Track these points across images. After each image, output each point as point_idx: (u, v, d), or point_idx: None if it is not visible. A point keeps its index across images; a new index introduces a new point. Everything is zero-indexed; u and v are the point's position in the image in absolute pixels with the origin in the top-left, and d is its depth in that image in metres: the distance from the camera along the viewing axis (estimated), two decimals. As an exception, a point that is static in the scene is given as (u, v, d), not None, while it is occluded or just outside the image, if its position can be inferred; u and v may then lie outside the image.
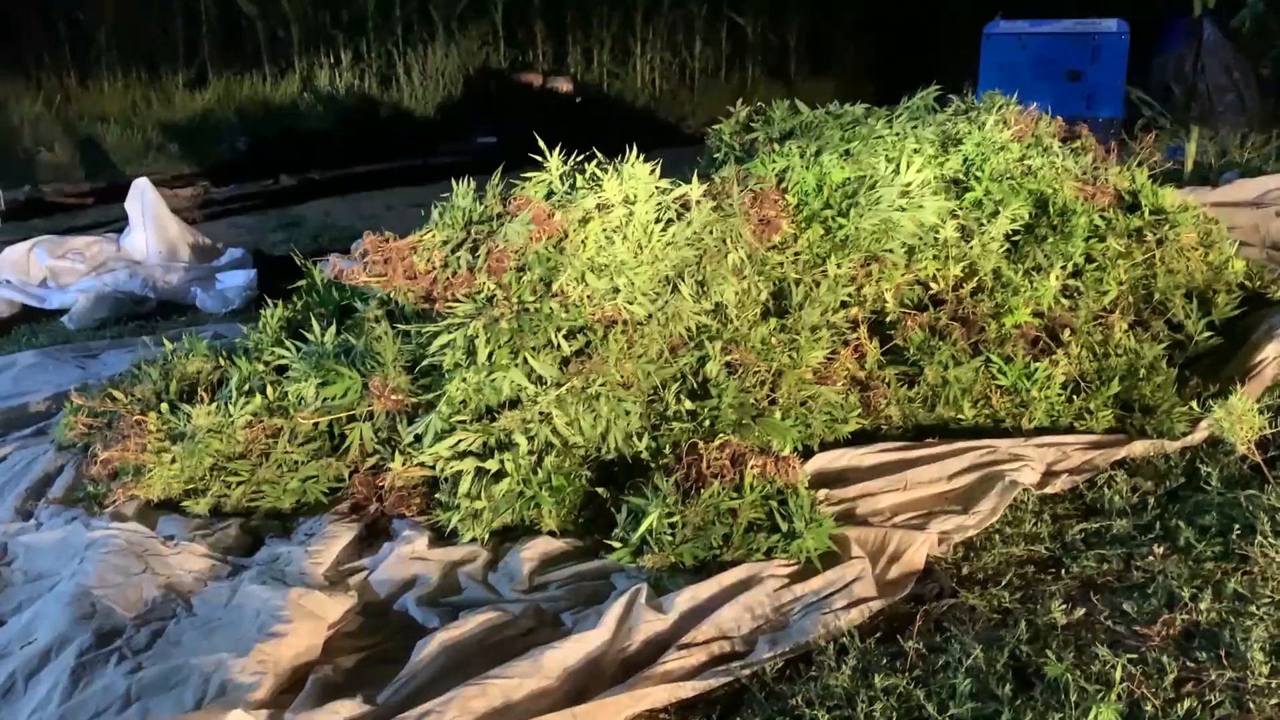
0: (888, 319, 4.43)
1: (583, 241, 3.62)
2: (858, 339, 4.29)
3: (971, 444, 3.83)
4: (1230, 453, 3.69)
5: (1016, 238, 5.12)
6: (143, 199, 6.63)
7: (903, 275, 4.58)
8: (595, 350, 3.45)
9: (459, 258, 3.49)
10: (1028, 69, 12.27)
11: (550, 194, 3.76)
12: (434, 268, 3.51)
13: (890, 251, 4.56)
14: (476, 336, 3.32)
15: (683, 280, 4.06)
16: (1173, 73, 8.35)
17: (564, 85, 14.86)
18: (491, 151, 13.05)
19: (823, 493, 3.53)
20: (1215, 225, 5.45)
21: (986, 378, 4.14)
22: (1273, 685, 2.56)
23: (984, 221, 5.10)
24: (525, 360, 3.37)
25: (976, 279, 4.56)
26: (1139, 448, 3.85)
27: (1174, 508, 3.48)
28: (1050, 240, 5.05)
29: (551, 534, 3.35)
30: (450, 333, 3.38)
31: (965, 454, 3.77)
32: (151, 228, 6.57)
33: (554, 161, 4.01)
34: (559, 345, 3.46)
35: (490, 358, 3.33)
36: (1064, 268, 4.93)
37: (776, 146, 4.78)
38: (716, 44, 19.91)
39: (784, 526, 3.11)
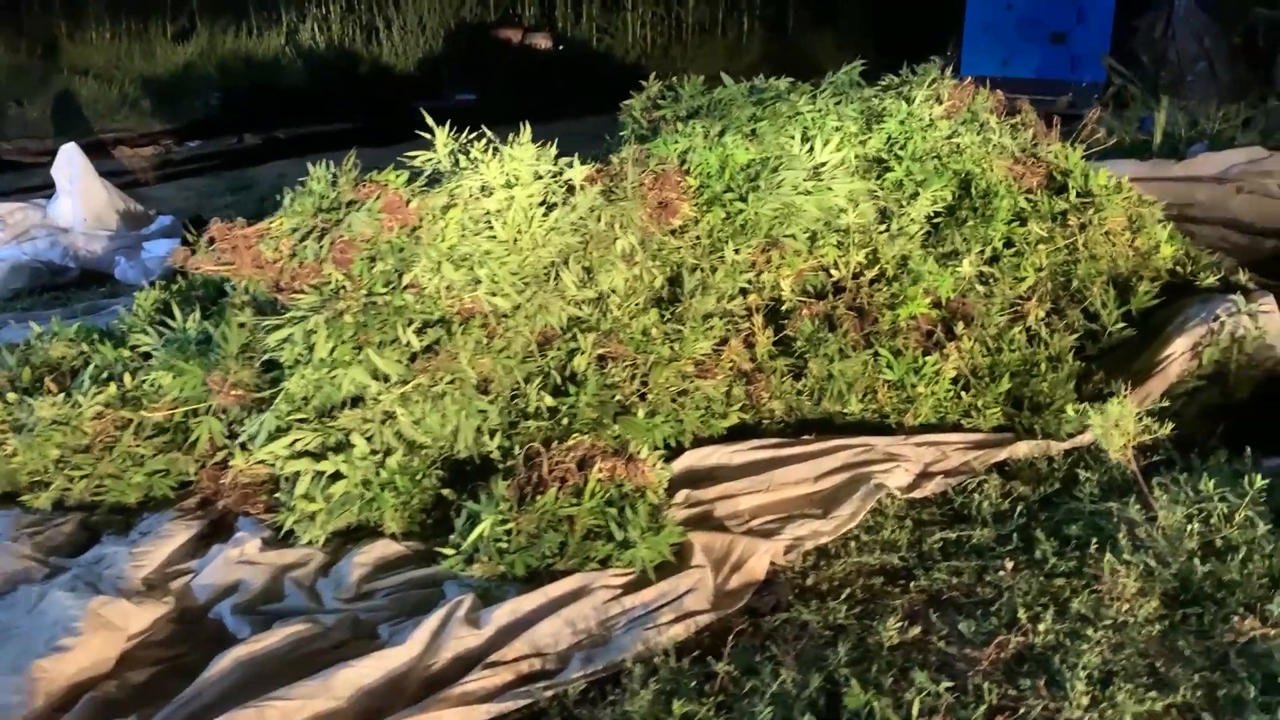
0: (784, 308, 4.28)
1: (442, 230, 3.49)
2: (751, 328, 4.16)
3: (847, 442, 3.71)
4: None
5: (938, 220, 4.97)
6: (70, 164, 6.51)
7: (805, 262, 4.43)
8: (445, 346, 3.33)
9: (306, 247, 3.37)
10: (1013, 30, 11.98)
11: (413, 177, 3.63)
12: (281, 257, 3.39)
13: (792, 237, 4.41)
14: (315, 331, 3.21)
15: (566, 268, 3.94)
16: (1141, 39, 8.08)
17: (543, 41, 14.58)
18: (470, 109, 12.86)
19: (682, 494, 3.42)
20: (1148, 208, 5.26)
21: (875, 371, 4.01)
22: (1089, 718, 2.46)
23: (904, 203, 4.95)
24: (369, 356, 3.26)
25: (878, 266, 4.40)
26: (1022, 449, 3.72)
27: (1043, 516, 3.35)
28: (970, 224, 4.90)
29: (393, 537, 3.26)
30: (291, 326, 3.27)
31: (839, 453, 3.65)
32: (78, 194, 6.46)
33: (440, 138, 3.88)
34: (408, 341, 3.34)
35: (331, 353, 3.22)
36: (981, 252, 4.77)
37: (680, 125, 4.62)
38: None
39: (619, 535, 3.01)
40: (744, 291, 4.35)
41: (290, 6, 17.35)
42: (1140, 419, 3.32)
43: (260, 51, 16.12)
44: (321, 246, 3.33)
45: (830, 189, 4.55)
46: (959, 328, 4.11)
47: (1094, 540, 3.07)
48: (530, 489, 3.09)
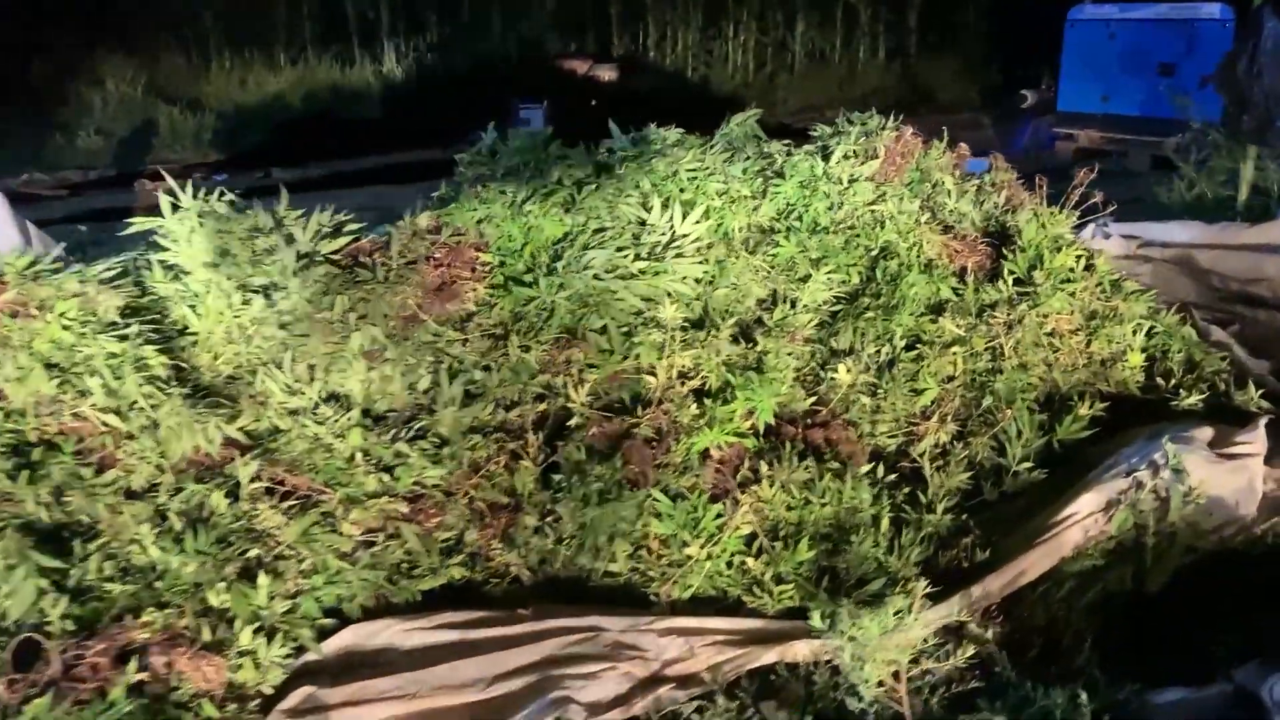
0: (572, 423, 3.38)
1: (41, 328, 2.77)
2: (516, 449, 3.28)
3: (571, 623, 2.78)
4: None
5: (839, 308, 3.98)
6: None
7: (620, 363, 3.51)
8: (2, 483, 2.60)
9: None
10: (1115, 61, 10.55)
11: (32, 265, 2.93)
12: None
13: (600, 331, 3.51)
14: None
15: (275, 370, 3.17)
16: (1220, 77, 6.71)
17: (608, 73, 13.86)
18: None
19: (302, 693, 2.58)
20: (1130, 300, 4.09)
21: (647, 521, 3.06)
22: None
23: (794, 287, 3.99)
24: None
25: (700, 375, 3.45)
26: (800, 650, 2.71)
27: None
28: (869, 315, 3.88)
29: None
30: None
31: (550, 639, 2.73)
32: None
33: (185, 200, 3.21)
34: (-30, 471, 2.63)
35: None
36: (877, 353, 3.75)
37: (484, 188, 3.78)
38: (824, 24, 18.41)
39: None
40: (540, 398, 3.48)
41: (398, 33, 17.26)
42: (929, 640, 2.30)
43: (350, 81, 16.04)
44: None
45: (663, 271, 3.62)
46: (764, 467, 3.10)
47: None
48: (31, 695, 2.32)
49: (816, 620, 2.67)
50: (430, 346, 3.49)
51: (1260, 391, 3.96)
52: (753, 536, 2.99)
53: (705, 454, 3.22)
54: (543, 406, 3.43)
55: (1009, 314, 3.79)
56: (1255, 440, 3.41)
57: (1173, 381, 3.90)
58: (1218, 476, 3.20)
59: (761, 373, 3.50)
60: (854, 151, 4.47)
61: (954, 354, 3.75)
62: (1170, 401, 3.78)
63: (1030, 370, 3.73)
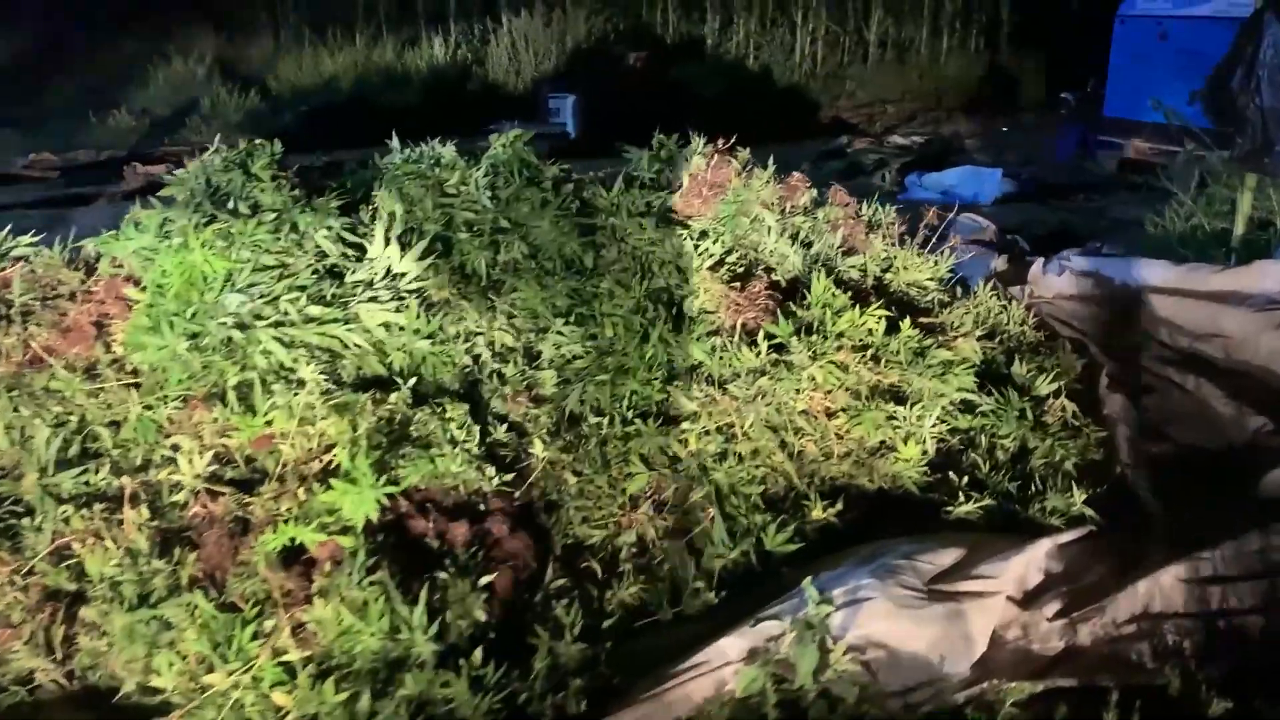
0: (178, 500, 2.91)
1: None
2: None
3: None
4: None
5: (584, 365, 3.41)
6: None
7: (264, 427, 3.02)
8: None
9: None
10: (1167, 64, 9.44)
11: None
12: None
13: (216, 393, 3.02)
14: None
15: None
16: (1209, 93, 5.76)
17: (639, 61, 13.20)
18: (556, 138, 11.78)
19: None
20: (896, 375, 3.38)
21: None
22: None
23: (539, 339, 3.45)
24: None
25: (333, 452, 2.92)
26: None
27: None
28: (599, 377, 3.31)
29: None
30: None
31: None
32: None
33: None
34: None
35: None
36: (600, 423, 3.17)
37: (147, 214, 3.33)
38: (906, 11, 17.30)
39: None
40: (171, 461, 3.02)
41: (467, 15, 16.92)
42: None
43: (403, 66, 15.78)
44: None
45: (313, 320, 3.11)
46: (320, 580, 2.56)
47: None
48: None
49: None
50: (57, 396, 3.08)
51: (1088, 494, 3.23)
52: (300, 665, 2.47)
53: (297, 552, 2.71)
54: (163, 474, 2.97)
55: (749, 387, 3.14)
56: (1002, 573, 2.70)
57: (965, 479, 3.18)
58: (917, 624, 2.52)
59: (427, 447, 2.97)
60: (651, 179, 3.86)
61: (685, 431, 3.14)
62: (945, 509, 3.07)
63: (764, 458, 3.08)
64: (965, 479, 3.17)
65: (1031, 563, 2.79)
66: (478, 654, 2.46)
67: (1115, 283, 5.09)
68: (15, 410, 2.99)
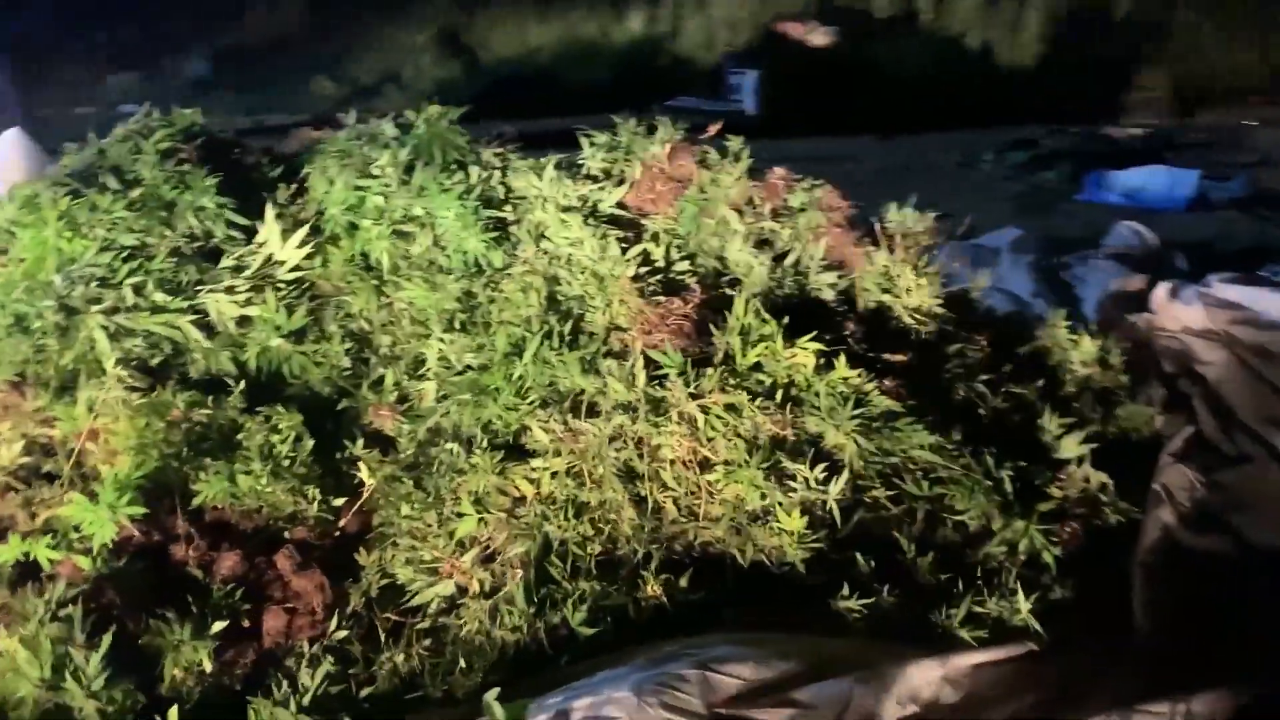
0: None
1: None
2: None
3: None
4: None
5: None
6: (5, 152, 6.35)
7: (72, 420, 2.78)
8: None
9: None
10: None
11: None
12: None
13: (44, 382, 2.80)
14: None
15: None
16: None
17: (820, 37, 12.30)
18: (730, 117, 11.22)
19: None
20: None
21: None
22: None
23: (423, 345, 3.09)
24: None
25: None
26: None
27: None
28: (462, 398, 2.89)
29: None
30: None
31: None
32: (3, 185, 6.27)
33: None
34: None
35: None
36: (457, 449, 2.77)
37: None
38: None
39: None
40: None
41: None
42: None
43: (605, 38, 15.58)
44: None
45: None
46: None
47: None
48: None
49: None
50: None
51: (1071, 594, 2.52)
52: None
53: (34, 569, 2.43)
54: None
55: (606, 425, 2.61)
56: (830, 704, 2.07)
57: (873, 564, 2.52)
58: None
59: (233, 461, 2.64)
60: (601, 171, 3.36)
61: (537, 470, 2.65)
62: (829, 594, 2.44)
63: (612, 510, 2.54)
64: (873, 563, 2.51)
65: (888, 691, 2.13)
66: (173, 713, 2.11)
67: (1265, 319, 4.10)
68: None
